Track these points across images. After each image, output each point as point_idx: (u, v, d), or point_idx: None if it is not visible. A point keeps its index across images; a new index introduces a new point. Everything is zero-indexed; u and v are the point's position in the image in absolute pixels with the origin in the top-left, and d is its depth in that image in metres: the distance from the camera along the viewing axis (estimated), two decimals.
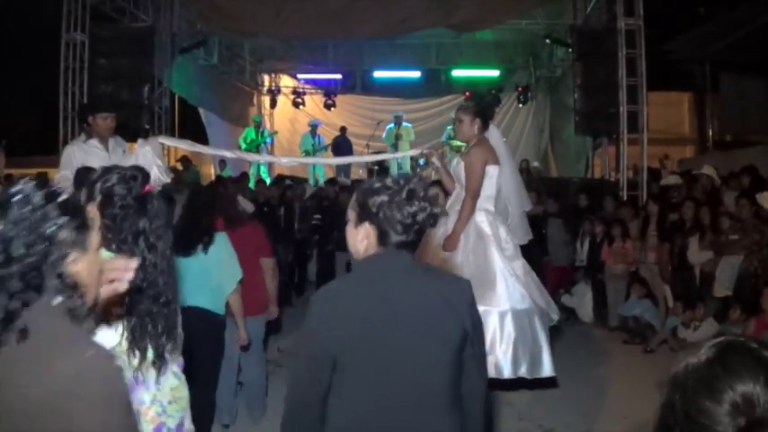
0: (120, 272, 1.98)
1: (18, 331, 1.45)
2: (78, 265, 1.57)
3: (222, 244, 4.63)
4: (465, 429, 2.31)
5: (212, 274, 4.52)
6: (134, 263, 2.06)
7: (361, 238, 2.34)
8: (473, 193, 5.14)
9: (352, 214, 2.36)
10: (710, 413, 1.13)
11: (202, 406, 4.08)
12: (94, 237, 1.65)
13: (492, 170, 5.21)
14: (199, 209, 4.73)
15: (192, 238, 4.51)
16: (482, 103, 5.70)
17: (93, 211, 2.43)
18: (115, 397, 1.53)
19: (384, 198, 2.26)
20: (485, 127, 5.36)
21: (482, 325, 2.53)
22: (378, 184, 2.31)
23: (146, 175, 2.67)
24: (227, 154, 7.99)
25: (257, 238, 5.57)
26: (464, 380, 2.33)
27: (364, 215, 2.31)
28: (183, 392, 2.75)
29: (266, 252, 5.66)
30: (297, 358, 2.46)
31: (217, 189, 6.76)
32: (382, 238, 2.28)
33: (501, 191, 5.33)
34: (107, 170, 2.58)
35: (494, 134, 5.47)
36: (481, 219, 5.19)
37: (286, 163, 9.38)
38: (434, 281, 2.41)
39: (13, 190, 1.49)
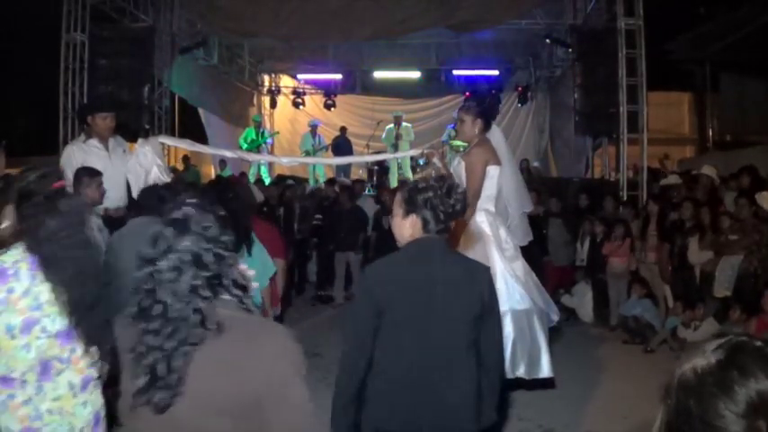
0: None
1: (216, 325, 1.78)
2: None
3: (256, 241, 4.56)
4: (480, 376, 2.91)
5: (258, 275, 4.47)
6: None
7: (408, 227, 2.94)
8: (474, 194, 5.13)
9: (398, 209, 2.96)
10: (727, 415, 1.12)
11: None
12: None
13: (493, 170, 5.20)
14: (239, 210, 4.59)
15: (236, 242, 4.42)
16: (484, 104, 5.70)
17: (9, 211, 2.55)
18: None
19: (430, 194, 2.87)
20: (487, 127, 5.36)
21: (497, 298, 3.10)
22: (423, 184, 2.93)
23: (59, 174, 2.72)
24: (228, 153, 7.99)
25: (273, 238, 5.49)
26: (483, 334, 2.92)
27: (411, 208, 2.91)
28: (69, 405, 2.63)
29: (280, 253, 5.63)
30: (354, 314, 3.01)
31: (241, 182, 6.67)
32: (425, 226, 2.89)
33: (501, 191, 5.32)
34: (26, 170, 2.66)
35: (495, 134, 5.47)
36: (481, 219, 5.18)
37: (286, 163, 9.38)
38: (464, 260, 3.16)
39: (182, 212, 1.85)
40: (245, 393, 1.77)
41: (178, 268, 1.78)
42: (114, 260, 3.59)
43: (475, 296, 2.89)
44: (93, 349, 2.62)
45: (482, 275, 2.97)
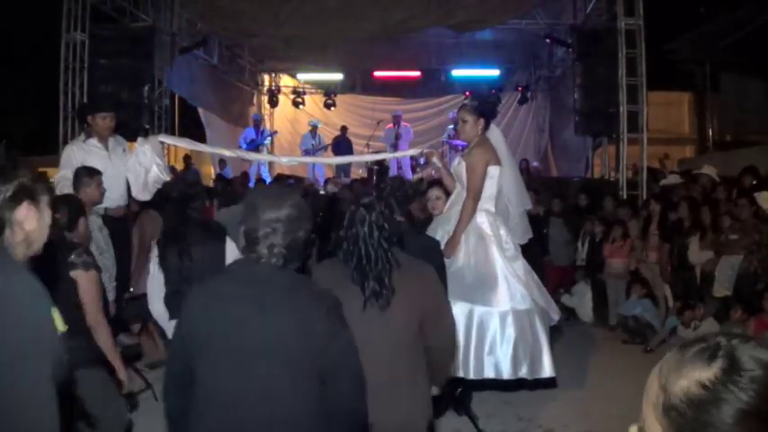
0: None
1: (396, 261, 2.77)
2: None
3: None
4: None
5: None
6: None
7: None
8: (474, 194, 5.14)
9: None
10: (751, 415, 1.14)
11: None
12: None
13: (493, 170, 5.21)
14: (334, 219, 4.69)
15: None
16: (485, 103, 5.67)
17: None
18: None
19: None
20: (487, 127, 5.36)
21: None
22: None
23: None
24: (227, 153, 7.99)
25: None
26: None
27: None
28: None
29: None
30: None
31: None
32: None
33: (502, 191, 5.33)
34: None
35: (494, 133, 5.47)
36: (482, 219, 5.19)
37: (286, 163, 9.33)
38: None
39: (368, 199, 2.83)
40: (418, 307, 2.79)
41: (372, 230, 2.74)
42: None
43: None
44: None
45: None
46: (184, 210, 4.68)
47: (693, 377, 1.17)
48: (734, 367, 1.15)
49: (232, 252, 4.43)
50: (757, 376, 1.14)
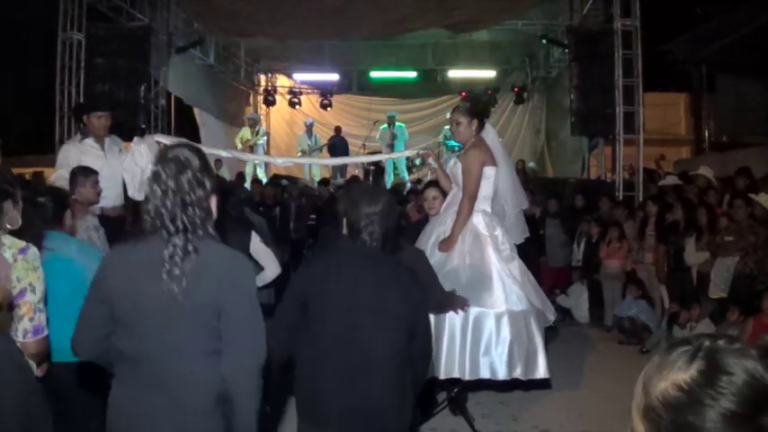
0: None
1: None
2: None
3: None
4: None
5: None
6: None
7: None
8: (471, 195, 5.13)
9: None
10: (730, 418, 1.12)
11: None
12: None
13: (489, 171, 5.20)
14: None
15: None
16: (478, 104, 5.66)
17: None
18: None
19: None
20: (481, 127, 5.36)
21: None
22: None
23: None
24: (223, 153, 7.97)
25: None
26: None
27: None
28: None
29: None
30: None
31: None
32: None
33: (498, 191, 5.32)
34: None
35: (490, 133, 5.46)
36: (478, 220, 5.19)
37: (281, 163, 9.29)
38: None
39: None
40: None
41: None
42: None
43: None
44: None
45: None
46: (225, 203, 5.02)
47: (671, 378, 1.16)
48: (713, 369, 1.13)
49: (256, 243, 5.04)
50: (736, 379, 1.12)
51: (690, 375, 1.14)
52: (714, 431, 1.11)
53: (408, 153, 11.72)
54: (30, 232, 3.11)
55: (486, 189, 5.22)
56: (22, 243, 2.90)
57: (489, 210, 5.25)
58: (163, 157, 2.40)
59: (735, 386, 1.11)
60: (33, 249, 2.91)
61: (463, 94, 18.06)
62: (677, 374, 1.15)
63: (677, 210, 8.46)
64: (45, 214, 3.69)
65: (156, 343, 2.25)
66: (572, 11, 13.79)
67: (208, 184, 2.36)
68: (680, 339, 1.23)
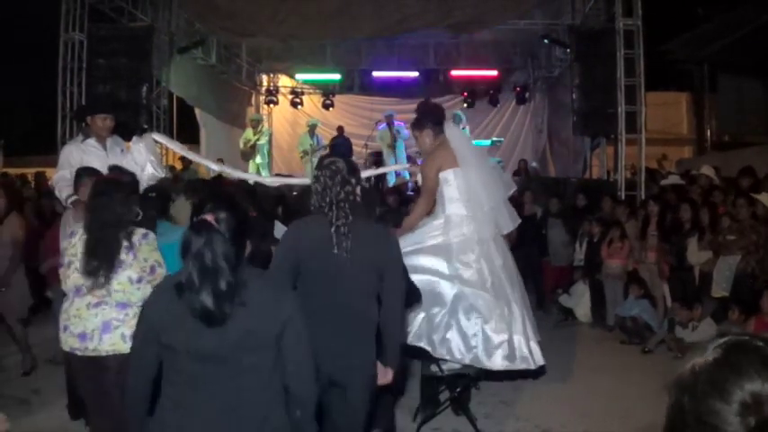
0: None
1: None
2: None
3: None
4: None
5: None
6: None
7: None
8: (426, 202, 5.29)
9: None
10: (720, 413, 1.13)
11: None
12: None
13: (447, 175, 5.16)
14: None
15: None
16: (424, 113, 5.56)
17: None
18: None
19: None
20: (439, 130, 5.31)
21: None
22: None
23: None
24: (213, 166, 7.97)
25: None
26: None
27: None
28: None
29: None
30: None
31: None
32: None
33: (470, 189, 5.22)
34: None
35: (455, 135, 5.35)
36: (437, 231, 5.28)
37: (269, 183, 9.08)
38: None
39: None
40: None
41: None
42: None
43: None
44: None
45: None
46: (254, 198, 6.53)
47: (692, 362, 1.18)
48: (726, 362, 1.15)
49: (279, 228, 5.91)
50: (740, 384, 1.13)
51: (704, 360, 1.16)
52: (704, 421, 1.12)
53: (399, 167, 12.23)
54: (145, 222, 3.99)
55: (449, 192, 5.19)
56: (143, 230, 3.81)
57: (463, 211, 5.20)
58: (320, 164, 3.48)
59: (736, 392, 1.12)
60: (152, 234, 3.84)
61: (464, 94, 18.13)
62: (698, 358, 1.17)
63: (680, 209, 8.45)
64: (155, 207, 4.56)
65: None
66: (574, 10, 13.79)
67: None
68: (725, 331, 1.26)
